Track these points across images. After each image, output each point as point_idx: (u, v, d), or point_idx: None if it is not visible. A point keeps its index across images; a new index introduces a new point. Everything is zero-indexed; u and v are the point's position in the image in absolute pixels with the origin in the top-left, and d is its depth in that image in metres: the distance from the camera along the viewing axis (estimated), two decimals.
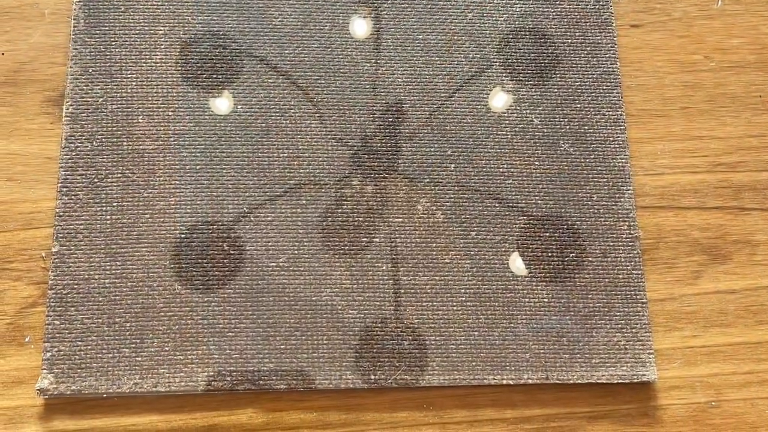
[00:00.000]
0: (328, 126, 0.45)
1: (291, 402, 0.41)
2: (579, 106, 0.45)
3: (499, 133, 0.45)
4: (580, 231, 0.44)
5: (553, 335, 0.42)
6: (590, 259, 0.43)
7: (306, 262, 0.43)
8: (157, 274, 0.42)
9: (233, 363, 0.41)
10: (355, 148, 0.44)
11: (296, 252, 0.43)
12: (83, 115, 0.44)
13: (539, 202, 0.44)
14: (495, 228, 0.43)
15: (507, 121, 0.45)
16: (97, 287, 0.42)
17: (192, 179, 0.43)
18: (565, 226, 0.44)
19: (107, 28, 0.45)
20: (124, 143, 0.44)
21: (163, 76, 0.45)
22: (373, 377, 0.41)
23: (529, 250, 0.43)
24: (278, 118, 0.45)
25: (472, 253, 0.43)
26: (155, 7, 0.46)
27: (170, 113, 0.44)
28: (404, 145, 0.44)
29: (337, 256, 0.43)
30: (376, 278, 0.42)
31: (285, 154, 0.44)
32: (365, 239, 0.43)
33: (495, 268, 0.43)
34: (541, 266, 0.43)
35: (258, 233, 0.43)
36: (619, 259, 0.43)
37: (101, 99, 0.44)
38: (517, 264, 0.43)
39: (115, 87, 0.44)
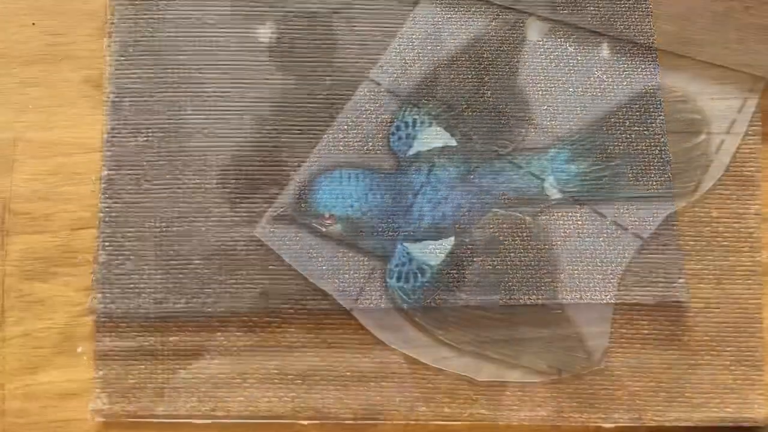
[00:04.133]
0: None
1: (335, 321, 0.43)
2: (612, 34, 0.46)
3: (535, 60, 0.46)
4: (613, 155, 0.45)
5: None
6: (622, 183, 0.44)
7: None
8: (205, 198, 0.43)
9: (279, 285, 0.42)
10: (395, 75, 0.45)
11: None
12: (130, 43, 0.45)
13: (573, 128, 0.45)
14: (530, 152, 0.45)
15: (542, 50, 0.46)
16: (146, 212, 0.43)
17: (240, 105, 0.44)
18: (598, 151, 0.45)
19: None
20: (171, 71, 0.44)
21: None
22: None
23: (564, 174, 0.44)
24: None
25: None
26: None
27: (220, 39, 0.45)
28: (442, 72, 0.45)
29: None
30: None
31: None
32: None
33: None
34: (575, 190, 0.44)
35: None
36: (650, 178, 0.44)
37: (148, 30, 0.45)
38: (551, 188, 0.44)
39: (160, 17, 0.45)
